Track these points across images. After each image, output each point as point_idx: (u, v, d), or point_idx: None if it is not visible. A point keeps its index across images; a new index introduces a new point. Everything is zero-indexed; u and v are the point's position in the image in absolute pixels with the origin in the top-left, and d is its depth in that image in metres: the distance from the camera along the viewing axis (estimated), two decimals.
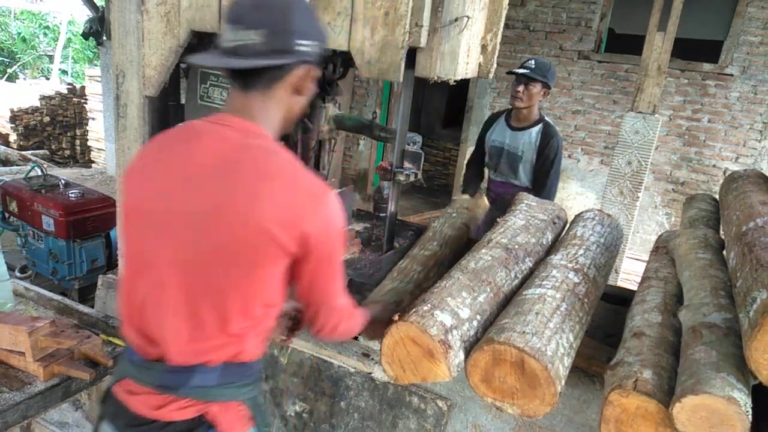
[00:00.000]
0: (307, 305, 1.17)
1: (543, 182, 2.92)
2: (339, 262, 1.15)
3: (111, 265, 3.39)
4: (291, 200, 1.02)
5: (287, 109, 1.14)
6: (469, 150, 3.72)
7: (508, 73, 2.99)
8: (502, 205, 2.99)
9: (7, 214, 3.51)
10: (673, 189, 5.66)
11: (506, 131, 2.97)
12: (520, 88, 2.79)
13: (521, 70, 2.79)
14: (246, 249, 1.01)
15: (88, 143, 8.70)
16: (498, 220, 2.00)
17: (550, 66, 2.85)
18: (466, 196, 2.86)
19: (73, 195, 3.27)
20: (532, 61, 2.81)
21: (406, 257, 1.91)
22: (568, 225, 2.11)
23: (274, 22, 1.03)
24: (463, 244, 2.09)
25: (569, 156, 5.92)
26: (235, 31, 1.04)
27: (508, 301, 1.53)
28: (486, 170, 3.20)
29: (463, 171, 3.37)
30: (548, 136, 2.88)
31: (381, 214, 2.74)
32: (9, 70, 13.97)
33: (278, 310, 1.14)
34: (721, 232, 1.75)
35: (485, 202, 2.67)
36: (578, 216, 2.10)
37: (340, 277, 1.18)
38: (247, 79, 1.08)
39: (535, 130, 2.89)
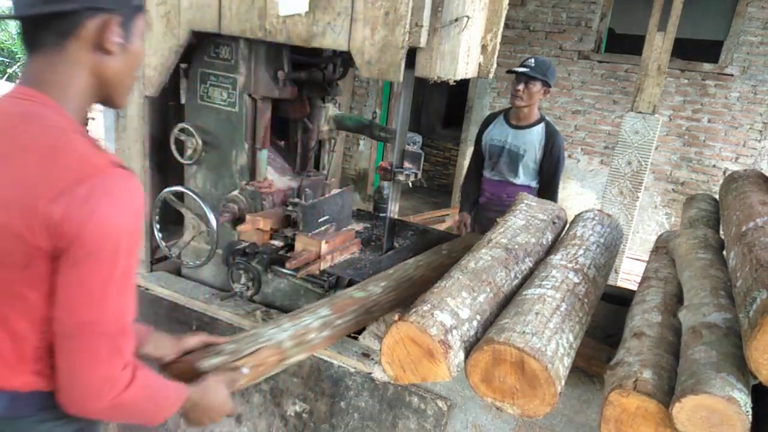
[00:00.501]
0: (54, 345, 0.86)
1: (551, 183, 2.95)
2: (111, 278, 0.84)
3: None
4: (37, 178, 0.81)
5: (93, 73, 0.92)
6: (469, 150, 3.73)
7: (508, 72, 3.00)
8: (498, 204, 3.00)
9: None
10: (673, 189, 5.66)
11: (507, 130, 2.97)
12: (520, 87, 2.79)
13: (521, 69, 2.80)
14: None
15: None
16: (498, 220, 2.00)
17: (550, 65, 2.86)
18: (470, 233, 2.71)
19: None
20: (533, 60, 2.82)
21: (333, 296, 1.58)
22: (568, 225, 2.12)
23: None
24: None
25: (569, 156, 5.93)
26: None
27: (508, 301, 1.53)
28: (484, 173, 3.17)
29: (464, 174, 3.35)
30: (552, 135, 2.90)
31: (381, 214, 2.74)
32: (9, 70, 13.97)
33: None
34: (721, 232, 1.75)
35: None
36: (578, 216, 2.10)
37: (114, 309, 0.85)
38: (32, 38, 0.89)
39: (538, 129, 2.91)
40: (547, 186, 2.96)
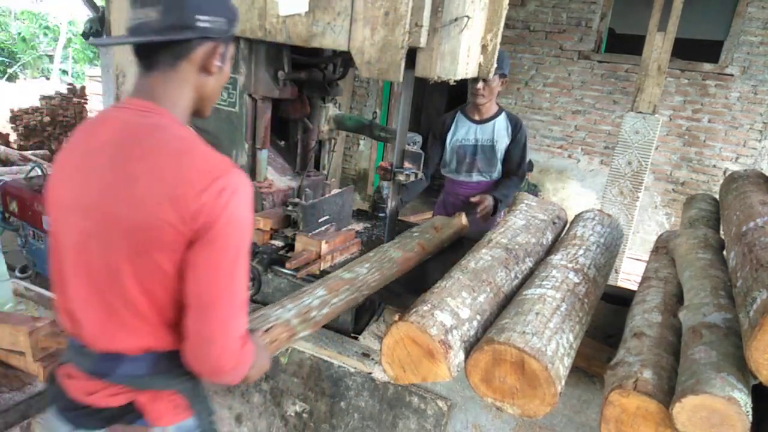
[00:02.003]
0: (186, 315, 1.01)
1: (518, 164, 2.94)
2: (237, 261, 1.01)
3: None
4: (178, 177, 0.97)
5: (196, 89, 1.10)
6: None
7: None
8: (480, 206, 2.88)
9: (7, 214, 3.51)
10: (673, 189, 5.66)
11: (472, 127, 2.92)
12: (480, 86, 2.77)
13: None
14: (136, 232, 0.97)
15: None
16: (498, 220, 2.00)
17: (502, 55, 2.74)
18: (440, 217, 2.56)
19: None
20: None
21: (325, 278, 1.69)
22: (568, 225, 2.12)
23: None
24: (410, 269, 1.94)
25: (569, 156, 5.93)
26: (135, 9, 1.03)
27: (508, 301, 1.53)
28: (453, 176, 3.05)
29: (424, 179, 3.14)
30: (516, 121, 2.93)
31: (380, 214, 2.75)
32: (9, 70, 13.97)
33: None
34: (721, 232, 1.75)
35: (462, 221, 2.44)
36: (578, 216, 2.10)
37: (239, 286, 1.02)
38: (149, 58, 1.06)
39: (502, 118, 2.92)
40: (514, 167, 2.93)
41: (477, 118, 2.92)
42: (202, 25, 1.03)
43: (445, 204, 3.12)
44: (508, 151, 2.91)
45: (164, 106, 1.05)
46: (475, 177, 2.96)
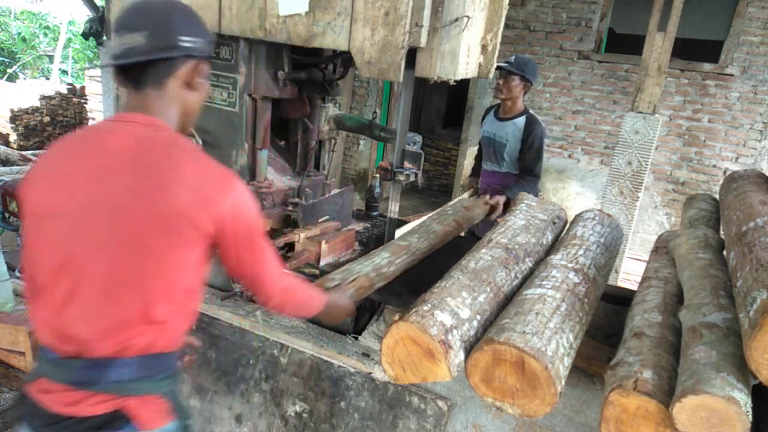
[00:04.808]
0: (243, 281, 1.29)
1: (529, 164, 3.08)
2: (261, 239, 1.23)
3: None
4: (201, 186, 1.10)
5: (183, 104, 1.21)
6: (470, 150, 3.85)
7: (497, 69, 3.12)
8: (492, 192, 3.16)
9: (7, 214, 3.51)
10: (673, 189, 5.66)
11: (494, 122, 3.24)
12: (500, 81, 3.07)
13: (501, 64, 3.01)
14: (162, 234, 1.07)
15: None
16: (498, 220, 2.00)
17: (528, 62, 3.08)
18: (466, 195, 3.08)
19: None
20: (513, 57, 3.07)
21: (387, 244, 2.01)
22: (568, 225, 2.12)
23: (155, 23, 1.12)
24: (448, 240, 2.21)
25: (569, 156, 5.93)
26: (122, 36, 1.12)
27: (508, 301, 1.53)
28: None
29: (464, 173, 3.60)
30: (531, 124, 3.08)
31: (373, 213, 2.80)
32: (9, 70, 13.97)
33: (198, 295, 1.22)
34: (721, 232, 1.75)
35: (485, 203, 2.75)
36: (578, 216, 2.10)
37: (269, 253, 1.26)
38: (139, 77, 1.15)
39: (520, 120, 3.12)
40: (525, 170, 3.08)
41: (501, 115, 3.22)
42: (185, 44, 1.15)
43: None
44: (521, 151, 3.09)
45: (161, 119, 1.16)
46: (489, 166, 3.30)
